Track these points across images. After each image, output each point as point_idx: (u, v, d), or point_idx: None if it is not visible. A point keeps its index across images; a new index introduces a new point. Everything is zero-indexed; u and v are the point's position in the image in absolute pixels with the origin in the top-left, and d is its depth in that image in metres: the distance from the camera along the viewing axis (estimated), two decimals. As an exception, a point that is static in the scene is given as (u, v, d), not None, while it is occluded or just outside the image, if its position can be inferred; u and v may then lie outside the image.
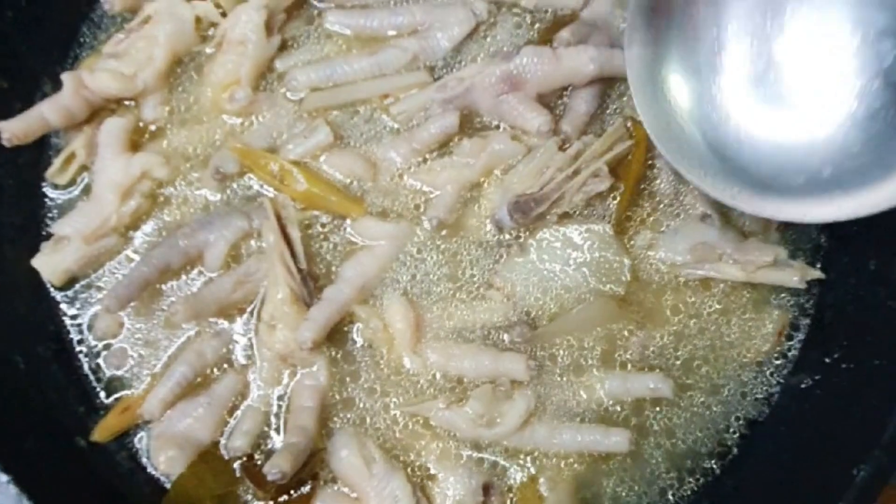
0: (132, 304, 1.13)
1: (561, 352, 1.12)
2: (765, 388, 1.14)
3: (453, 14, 1.23)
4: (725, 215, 1.16)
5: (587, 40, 1.19)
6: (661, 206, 1.18)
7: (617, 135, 1.17)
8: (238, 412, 1.11)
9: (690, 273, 1.15)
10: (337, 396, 1.11)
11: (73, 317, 1.18)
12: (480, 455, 1.09)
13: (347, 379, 1.12)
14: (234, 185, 1.20)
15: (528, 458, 1.09)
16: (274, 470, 1.00)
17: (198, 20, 1.22)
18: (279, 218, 1.14)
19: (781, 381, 1.14)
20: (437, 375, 1.11)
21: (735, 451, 1.12)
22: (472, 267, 1.15)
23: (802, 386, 1.11)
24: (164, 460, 1.07)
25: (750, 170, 1.05)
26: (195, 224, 1.16)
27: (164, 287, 1.16)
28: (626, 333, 1.13)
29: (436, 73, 1.22)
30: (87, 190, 1.20)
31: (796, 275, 1.12)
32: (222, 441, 1.10)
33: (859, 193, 0.98)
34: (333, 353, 1.12)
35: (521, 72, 1.16)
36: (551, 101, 1.20)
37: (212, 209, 1.19)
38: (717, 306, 1.15)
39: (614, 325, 1.13)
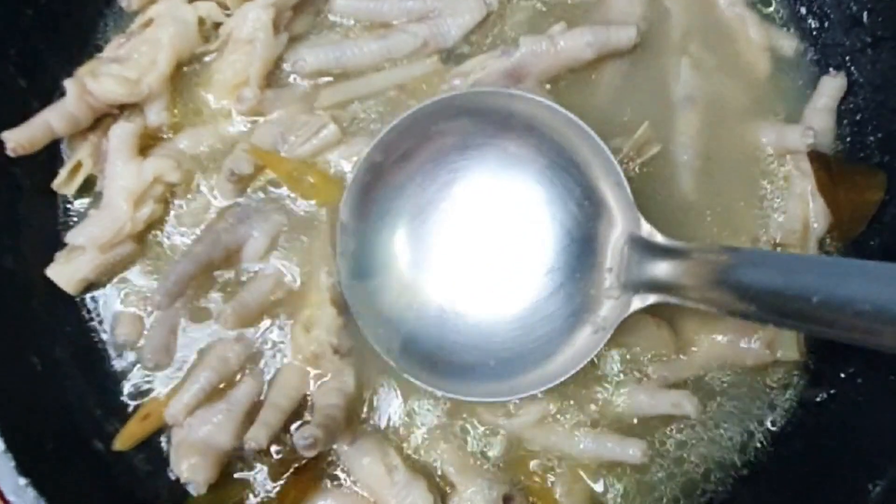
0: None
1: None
2: (780, 402, 1.15)
3: (465, 2, 1.22)
4: (775, 247, 1.18)
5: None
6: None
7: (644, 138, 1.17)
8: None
9: None
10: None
11: (92, 318, 1.18)
12: (502, 463, 1.10)
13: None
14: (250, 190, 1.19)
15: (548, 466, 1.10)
16: (307, 433, 0.98)
17: (201, 21, 1.19)
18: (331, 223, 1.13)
19: (797, 395, 1.14)
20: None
21: (750, 465, 1.13)
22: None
23: (818, 400, 1.12)
24: (186, 468, 1.08)
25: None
26: (233, 218, 1.15)
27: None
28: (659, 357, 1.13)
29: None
30: (97, 197, 1.18)
31: None
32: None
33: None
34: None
35: (521, 66, 1.18)
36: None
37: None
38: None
39: (651, 348, 1.13)
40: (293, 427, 1.10)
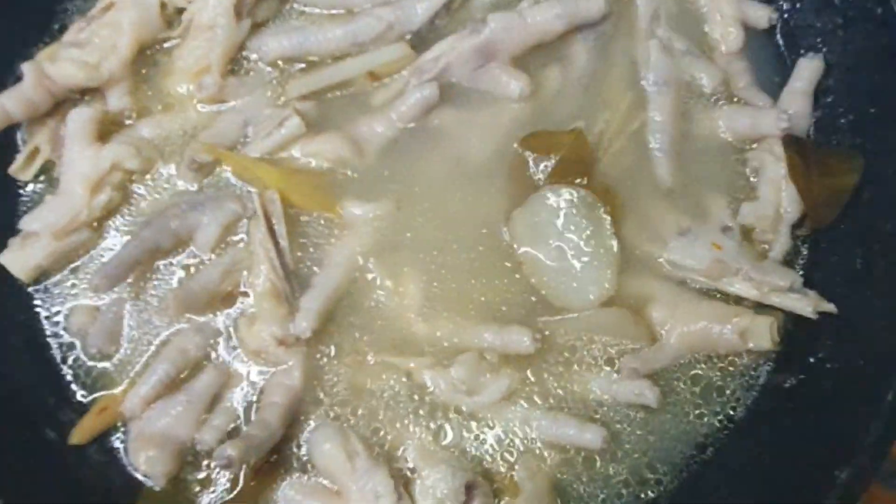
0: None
1: (557, 337, 1.10)
2: (747, 388, 1.11)
3: (429, -17, 1.20)
4: (747, 233, 1.15)
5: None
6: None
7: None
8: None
9: (701, 283, 1.13)
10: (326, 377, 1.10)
11: (46, 307, 1.15)
12: (464, 449, 1.08)
13: (334, 359, 1.10)
14: (211, 177, 1.17)
15: (509, 450, 1.08)
16: (223, 454, 0.98)
17: (163, 5, 1.18)
18: (266, 213, 1.11)
19: (765, 380, 1.11)
20: (442, 343, 1.10)
21: (716, 450, 1.09)
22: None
23: (786, 385, 1.09)
24: (144, 460, 1.06)
25: None
26: (185, 205, 1.13)
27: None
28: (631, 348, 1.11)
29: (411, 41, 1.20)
30: (54, 183, 1.16)
31: (810, 305, 1.08)
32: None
33: None
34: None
35: (492, 42, 1.17)
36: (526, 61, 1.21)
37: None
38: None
39: (623, 338, 1.11)
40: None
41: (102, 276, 1.07)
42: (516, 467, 1.07)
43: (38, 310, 1.15)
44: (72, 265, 1.15)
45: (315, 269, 1.13)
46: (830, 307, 1.08)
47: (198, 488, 1.07)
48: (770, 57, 1.26)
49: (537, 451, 1.07)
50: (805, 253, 1.16)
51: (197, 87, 1.18)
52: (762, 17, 1.25)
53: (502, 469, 1.07)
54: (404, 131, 1.18)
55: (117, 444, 1.09)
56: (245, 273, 1.12)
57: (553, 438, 1.07)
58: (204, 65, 1.18)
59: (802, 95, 1.20)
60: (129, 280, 1.12)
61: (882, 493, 1.15)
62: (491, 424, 1.08)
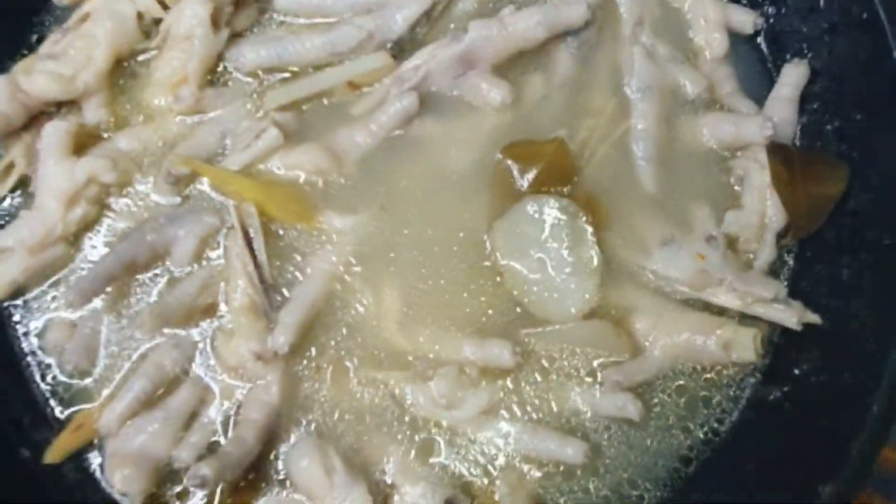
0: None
1: (539, 350, 1.09)
2: (732, 401, 1.10)
3: (410, -7, 1.19)
4: (731, 242, 1.14)
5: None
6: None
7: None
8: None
9: (685, 293, 1.11)
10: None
11: (24, 323, 1.13)
12: (444, 464, 1.06)
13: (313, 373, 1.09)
14: (189, 190, 1.16)
15: (489, 465, 1.06)
16: (196, 473, 0.96)
17: (139, 16, 1.17)
18: (243, 226, 1.10)
19: (750, 393, 1.10)
20: (423, 356, 1.08)
21: (699, 464, 1.08)
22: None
23: (771, 398, 1.07)
24: (119, 479, 1.03)
25: None
26: (163, 218, 1.12)
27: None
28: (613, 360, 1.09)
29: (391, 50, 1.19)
30: (30, 198, 1.14)
31: (794, 316, 1.07)
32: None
33: None
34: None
35: (472, 50, 1.16)
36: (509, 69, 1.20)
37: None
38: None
39: (605, 350, 1.09)
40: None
41: (77, 292, 1.06)
42: (497, 482, 1.05)
43: (17, 326, 1.13)
44: (50, 280, 1.13)
45: (299, 276, 1.11)
46: (816, 318, 1.07)
47: (175, 506, 1.05)
48: (755, 63, 1.25)
49: (518, 466, 1.06)
50: (790, 263, 1.15)
51: (174, 98, 1.16)
52: (747, 22, 1.24)
53: (483, 483, 1.05)
54: (385, 141, 1.17)
55: (93, 462, 1.08)
56: (222, 286, 1.11)
57: (533, 453, 1.05)
58: (181, 76, 1.16)
59: (788, 102, 1.19)
60: (107, 295, 1.10)
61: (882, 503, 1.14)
62: (471, 439, 1.07)
